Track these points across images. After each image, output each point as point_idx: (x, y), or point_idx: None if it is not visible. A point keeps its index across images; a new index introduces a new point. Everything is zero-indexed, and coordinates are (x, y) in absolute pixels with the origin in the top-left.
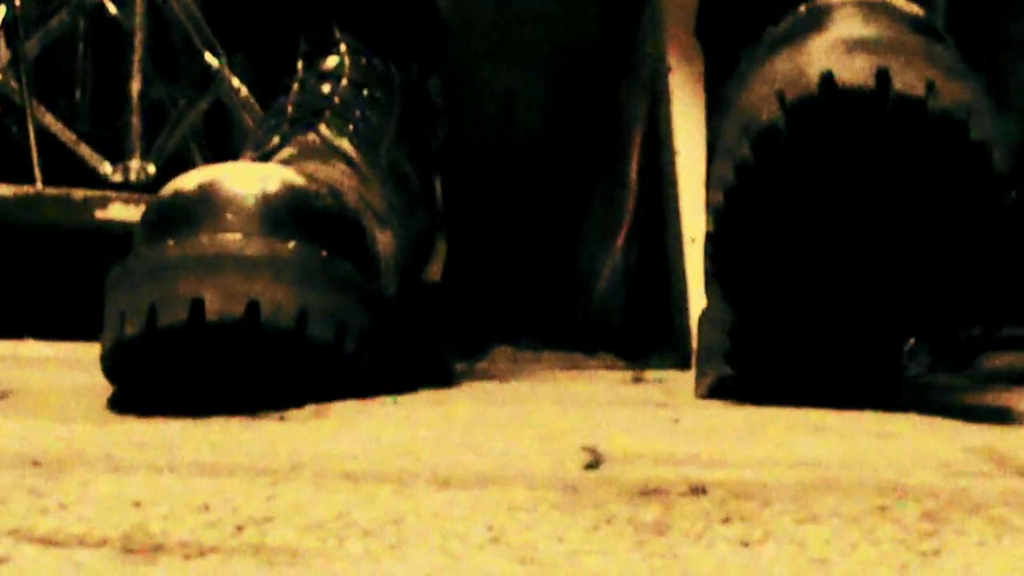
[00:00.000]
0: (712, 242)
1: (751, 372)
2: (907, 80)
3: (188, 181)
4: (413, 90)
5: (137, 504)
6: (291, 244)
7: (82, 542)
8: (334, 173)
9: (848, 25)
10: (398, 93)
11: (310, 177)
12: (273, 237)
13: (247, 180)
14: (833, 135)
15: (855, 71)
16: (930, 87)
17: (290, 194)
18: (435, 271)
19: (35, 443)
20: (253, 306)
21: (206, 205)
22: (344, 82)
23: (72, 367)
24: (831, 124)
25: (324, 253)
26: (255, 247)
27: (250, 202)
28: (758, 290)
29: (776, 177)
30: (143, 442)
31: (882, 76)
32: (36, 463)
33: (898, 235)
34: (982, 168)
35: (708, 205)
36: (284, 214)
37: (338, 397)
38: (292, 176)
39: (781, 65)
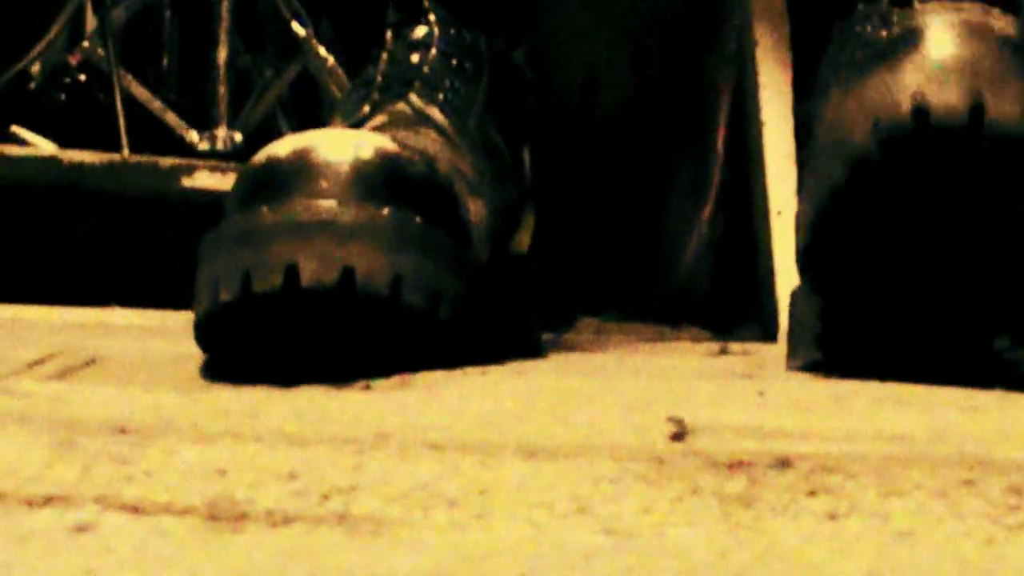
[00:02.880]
0: (803, 254)
1: (841, 357)
2: (1002, 111)
3: (282, 148)
4: (501, 61)
5: (222, 472)
6: (385, 210)
7: (167, 510)
8: (425, 141)
9: (942, 47)
10: (486, 63)
11: (403, 144)
12: (367, 203)
13: (341, 147)
14: (926, 163)
15: (949, 101)
16: None
17: (384, 161)
18: (523, 242)
19: (121, 411)
20: (348, 272)
21: (300, 172)
22: (433, 52)
23: (158, 335)
24: (924, 153)
25: (418, 220)
26: (349, 213)
27: (344, 169)
28: (848, 291)
29: (869, 201)
30: (228, 411)
31: (976, 107)
32: (122, 431)
33: (990, 248)
34: None
35: (797, 218)
36: (378, 181)
37: (430, 365)
38: (385, 143)
39: (875, 89)
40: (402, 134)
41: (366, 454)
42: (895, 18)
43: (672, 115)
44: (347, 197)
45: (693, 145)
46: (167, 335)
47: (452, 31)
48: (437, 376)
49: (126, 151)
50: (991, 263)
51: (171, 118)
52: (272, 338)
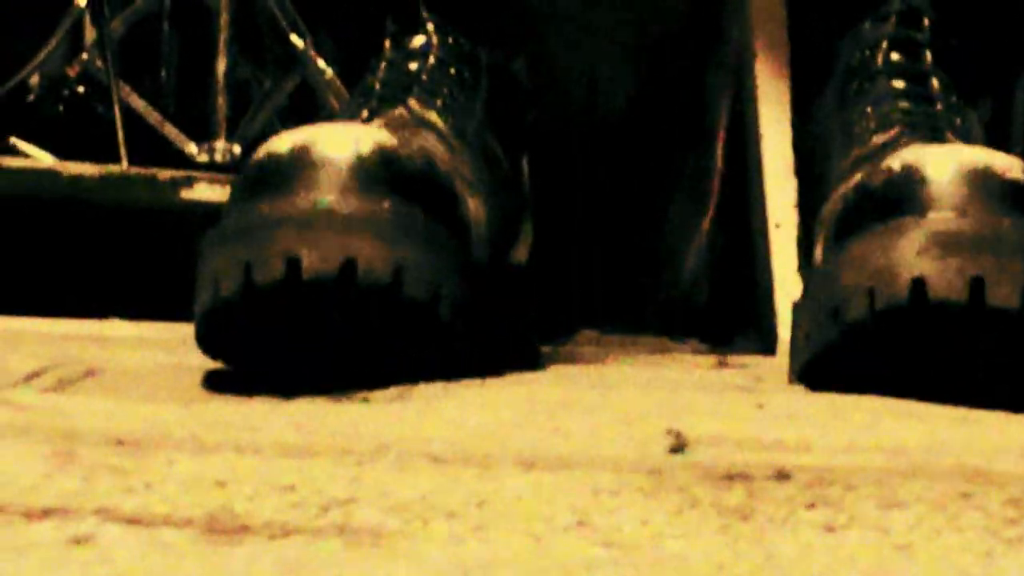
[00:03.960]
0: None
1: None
2: (1002, 292)
3: (281, 143)
4: (499, 70)
5: (222, 484)
6: (386, 203)
7: (167, 522)
8: (425, 142)
9: (944, 212)
10: (484, 72)
11: (402, 140)
12: (368, 196)
13: (340, 141)
14: (923, 337)
15: (948, 281)
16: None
17: (383, 154)
18: (522, 253)
19: (120, 422)
20: (349, 263)
21: (299, 166)
22: (431, 60)
23: (157, 347)
24: (921, 328)
25: (419, 213)
26: (350, 205)
27: (344, 162)
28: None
29: (862, 360)
30: (228, 422)
31: (976, 288)
32: (121, 442)
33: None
34: None
35: (793, 343)
36: (378, 174)
37: (431, 367)
38: (385, 137)
39: (872, 258)
40: (402, 135)
41: (365, 466)
42: (891, 146)
43: (672, 127)
44: (347, 190)
45: (693, 157)
46: (166, 347)
47: (450, 40)
48: (436, 387)
49: (125, 163)
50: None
51: (170, 130)
52: (274, 332)
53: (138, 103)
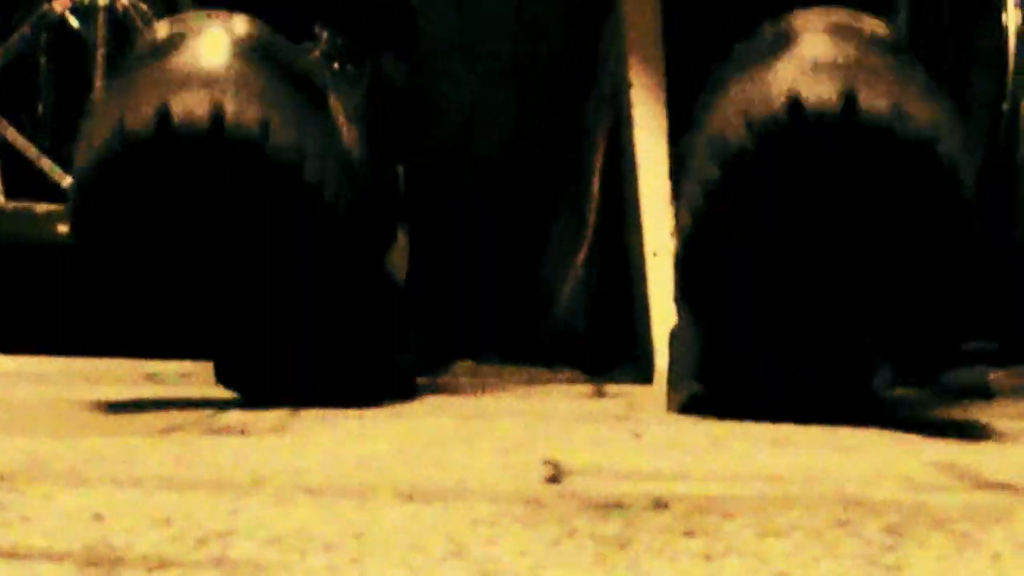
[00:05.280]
0: (681, 263)
1: (721, 389)
2: (874, 103)
3: (160, 28)
4: (383, 77)
5: (99, 518)
6: (257, 68)
7: (44, 555)
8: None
9: (815, 46)
10: (368, 72)
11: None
12: (238, 61)
13: (215, 21)
14: (801, 156)
15: (821, 94)
16: (897, 109)
17: (258, 31)
18: (399, 266)
19: None
20: (218, 113)
21: (177, 40)
22: (316, 53)
23: (35, 381)
24: (798, 146)
25: (289, 84)
26: (222, 64)
27: (220, 33)
28: (727, 309)
29: (744, 198)
30: (106, 456)
31: (848, 99)
32: None
33: (865, 252)
34: (950, 188)
35: (676, 226)
36: (250, 46)
37: (291, 411)
38: (260, 24)
39: (748, 86)
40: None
41: (242, 498)
42: (768, 26)
43: (549, 157)
44: (221, 54)
45: (570, 187)
46: (44, 381)
47: (339, 41)
48: (312, 419)
49: (1, 197)
50: (864, 275)
51: (46, 164)
52: (144, 193)
53: (15, 137)
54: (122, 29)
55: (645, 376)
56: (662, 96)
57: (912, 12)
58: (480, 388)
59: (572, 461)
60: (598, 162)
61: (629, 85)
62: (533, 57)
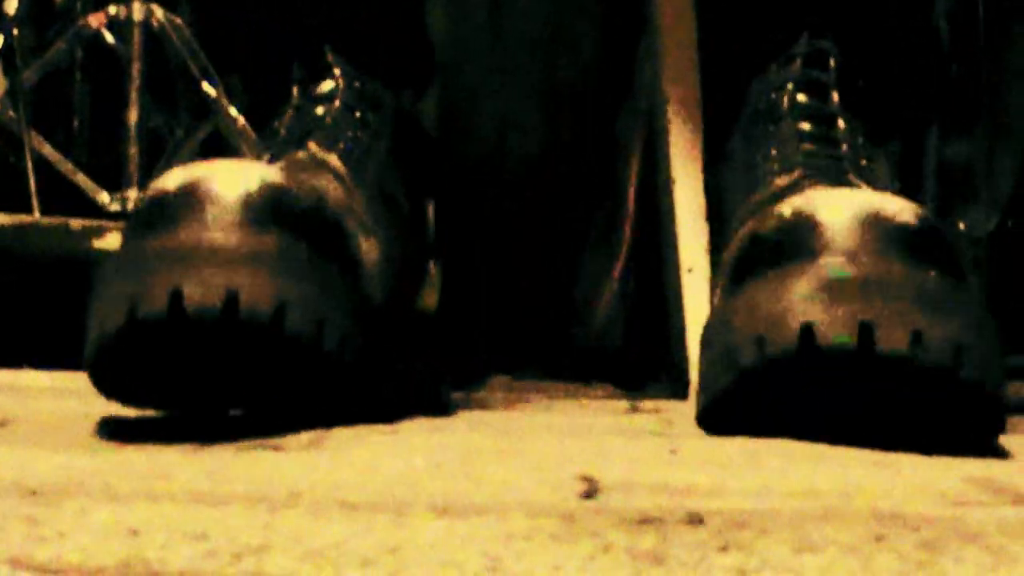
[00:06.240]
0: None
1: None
2: (892, 336)
3: (170, 181)
4: (406, 115)
5: (134, 533)
6: (271, 238)
7: (79, 571)
8: (320, 182)
9: (833, 257)
10: (390, 116)
11: (292, 177)
12: (253, 231)
13: (228, 178)
14: (815, 383)
15: (837, 326)
16: (916, 338)
17: (271, 191)
18: (430, 300)
19: (33, 472)
20: (231, 298)
21: (187, 202)
22: (336, 104)
23: (70, 396)
24: (812, 374)
25: (305, 248)
26: (235, 240)
27: (231, 198)
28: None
29: (755, 409)
30: (141, 471)
31: (865, 332)
32: (33, 492)
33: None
34: (975, 400)
35: (701, 378)
36: (264, 210)
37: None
38: (273, 174)
39: (764, 304)
40: (298, 176)
41: (278, 513)
42: (787, 208)
43: (584, 172)
44: (233, 225)
45: (605, 202)
46: (79, 396)
47: (356, 84)
48: (347, 434)
49: (37, 213)
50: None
51: (82, 179)
52: (160, 366)
53: (50, 152)
54: (157, 44)
55: (680, 391)
56: (697, 112)
57: (949, 30)
58: (515, 403)
59: (607, 476)
60: (633, 177)
61: (665, 100)
62: (567, 73)
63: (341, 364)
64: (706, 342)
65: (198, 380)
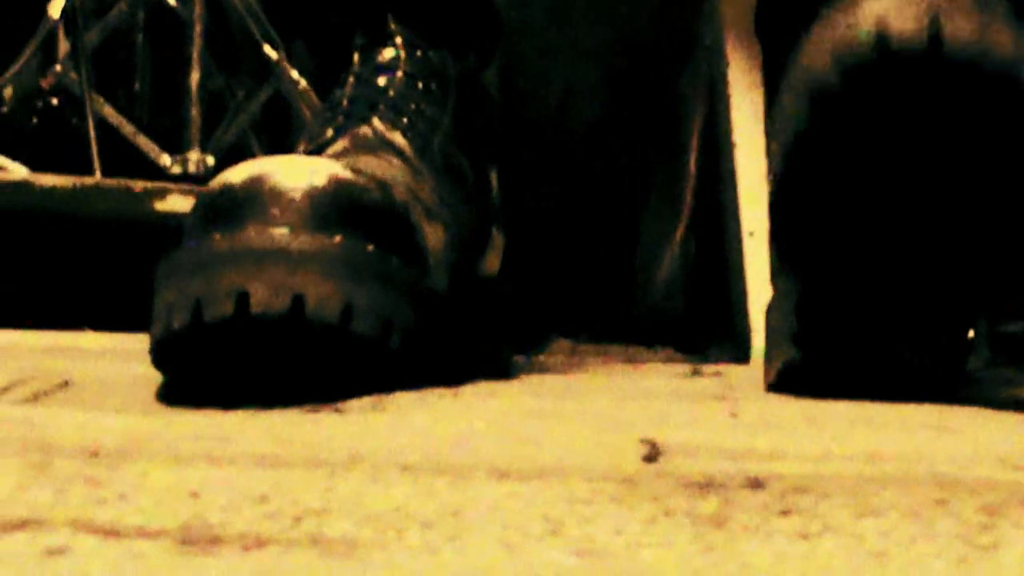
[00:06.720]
0: (774, 208)
1: (817, 352)
2: (958, 32)
3: (236, 175)
4: (468, 81)
5: (195, 495)
6: (337, 238)
7: (140, 533)
8: (385, 167)
9: None
10: (453, 85)
11: (358, 171)
12: (319, 231)
13: (294, 174)
14: (890, 93)
15: (907, 26)
16: (981, 37)
17: (337, 188)
18: (493, 264)
19: (94, 434)
20: (298, 300)
21: (253, 199)
22: (399, 74)
23: (131, 359)
24: (888, 82)
25: (371, 247)
26: (301, 241)
27: (297, 196)
28: (820, 259)
29: (835, 139)
30: (201, 434)
31: (934, 30)
32: (95, 454)
33: (960, 197)
34: None
35: (768, 168)
36: (331, 208)
37: (386, 392)
38: (340, 170)
39: (835, 26)
40: (362, 160)
41: (338, 476)
42: None
43: (645, 136)
44: (299, 225)
45: (666, 166)
46: (139, 359)
47: (419, 53)
48: (409, 398)
49: (98, 175)
50: (962, 237)
51: (143, 141)
52: (225, 364)
53: (112, 114)
54: (218, 6)
55: (742, 355)
56: (759, 75)
57: None
58: (576, 367)
59: (668, 440)
60: (694, 140)
61: (726, 64)
62: (628, 35)
63: (406, 361)
64: (783, 83)
65: (261, 376)
